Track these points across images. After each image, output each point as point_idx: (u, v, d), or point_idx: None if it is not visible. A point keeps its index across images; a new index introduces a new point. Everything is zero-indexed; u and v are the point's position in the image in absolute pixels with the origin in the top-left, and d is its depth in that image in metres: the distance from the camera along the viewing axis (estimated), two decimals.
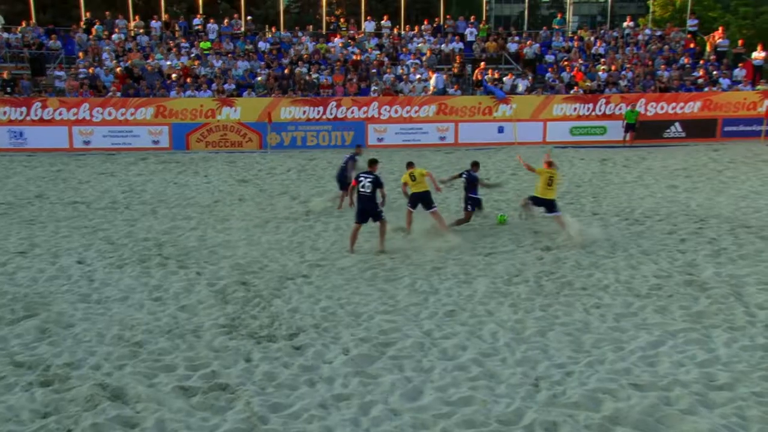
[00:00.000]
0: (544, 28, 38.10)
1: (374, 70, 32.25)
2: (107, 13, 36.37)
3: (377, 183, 14.07)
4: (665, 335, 10.00)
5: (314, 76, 31.58)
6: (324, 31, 37.09)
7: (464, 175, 16.14)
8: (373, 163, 14.57)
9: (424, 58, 33.12)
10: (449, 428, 7.61)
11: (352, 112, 29.84)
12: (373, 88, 30.95)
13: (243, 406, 7.97)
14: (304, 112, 29.75)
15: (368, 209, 14.11)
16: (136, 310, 10.98)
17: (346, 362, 9.12)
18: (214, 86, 30.65)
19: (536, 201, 15.28)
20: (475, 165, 16.30)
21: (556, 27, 37.59)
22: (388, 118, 29.93)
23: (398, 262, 13.47)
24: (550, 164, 15.24)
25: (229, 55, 33.03)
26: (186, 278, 12.54)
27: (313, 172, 24.08)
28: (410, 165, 15.48)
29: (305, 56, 33.07)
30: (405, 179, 15.15)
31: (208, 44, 33.73)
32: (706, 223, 16.41)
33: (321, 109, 29.77)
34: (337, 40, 34.59)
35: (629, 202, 18.87)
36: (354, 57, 33.09)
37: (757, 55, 33.11)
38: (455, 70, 32.64)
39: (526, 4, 42.89)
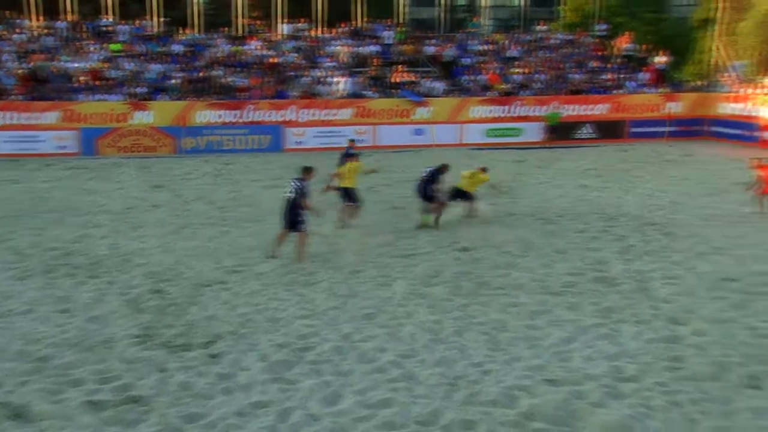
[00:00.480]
0: (460, 31, 38.71)
1: (292, 73, 32.10)
2: (7, 12, 34.95)
3: (301, 192, 13.75)
4: (577, 331, 10.31)
5: (230, 79, 31.21)
6: (240, 34, 36.69)
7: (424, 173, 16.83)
8: (307, 171, 14.05)
9: (341, 57, 33.16)
10: (369, 431, 7.65)
11: (270, 116, 29.63)
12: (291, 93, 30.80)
13: (157, 418, 7.81)
14: (220, 115, 29.37)
15: (289, 217, 13.87)
16: (41, 323, 10.59)
17: (263, 369, 9.05)
18: (125, 89, 29.91)
19: (459, 193, 16.83)
20: (445, 167, 16.84)
21: (472, 30, 38.26)
22: (306, 121, 29.86)
23: (317, 266, 13.44)
24: (483, 170, 17.34)
25: (141, 57, 32.29)
26: (96, 288, 12.18)
27: (230, 177, 23.79)
28: (350, 158, 16.86)
29: (221, 59, 32.65)
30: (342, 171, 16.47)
31: (119, 46, 32.88)
32: (615, 221, 16.99)
33: (237, 112, 29.45)
34: (254, 43, 34.28)
35: (543, 202, 19.36)
36: (271, 60, 32.86)
37: (660, 59, 34.51)
38: (373, 73, 32.81)
39: (442, 8, 43.49)
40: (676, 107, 31.71)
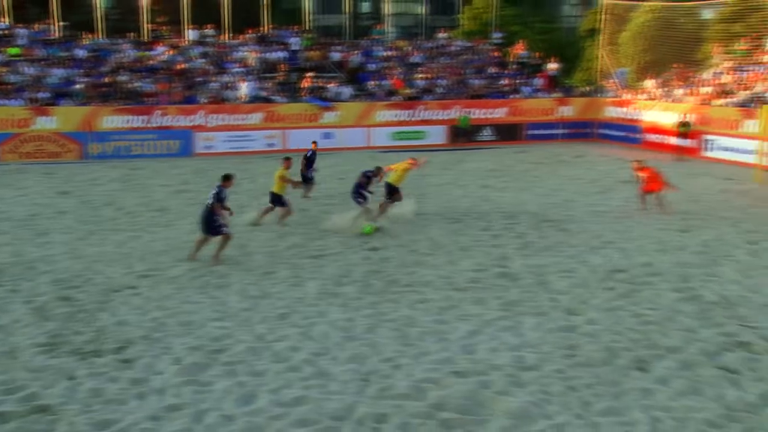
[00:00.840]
0: (365, 38, 38.88)
1: (200, 79, 31.47)
2: None
3: (218, 198, 13.50)
4: (482, 324, 10.53)
5: (137, 84, 30.32)
6: (146, 39, 35.69)
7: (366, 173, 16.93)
8: (227, 178, 13.77)
9: (249, 61, 32.74)
10: (283, 429, 7.59)
11: (178, 121, 28.95)
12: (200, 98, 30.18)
13: (66, 426, 7.52)
14: (128, 120, 28.49)
15: (206, 222, 13.67)
16: None
17: (177, 372, 8.85)
18: (26, 94, 28.61)
19: (392, 188, 17.14)
20: (379, 169, 17.06)
21: (376, 37, 38.49)
22: (216, 126, 29.33)
23: (229, 268, 13.24)
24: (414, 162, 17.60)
25: (42, 62, 30.95)
26: None
27: (139, 182, 23.11)
28: (286, 160, 17.25)
29: (126, 64, 31.67)
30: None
31: (17, 50, 31.39)
32: (515, 219, 17.43)
33: (145, 117, 28.63)
34: (160, 48, 33.42)
35: (448, 202, 19.67)
36: (178, 65, 32.12)
37: (552, 66, 35.68)
38: (281, 78, 32.55)
39: (348, 15, 43.58)
40: (567, 111, 32.83)
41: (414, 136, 31.39)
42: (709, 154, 27.07)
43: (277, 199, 16.76)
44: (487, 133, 32.17)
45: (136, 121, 28.54)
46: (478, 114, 32.13)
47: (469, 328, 10.39)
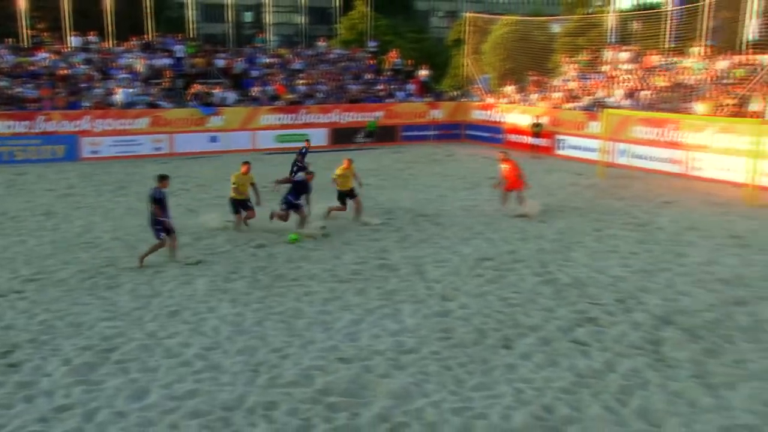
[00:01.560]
0: (248, 45, 38.21)
1: (84, 85, 29.90)
2: None
3: (154, 200, 12.82)
4: (364, 313, 10.61)
5: (18, 89, 28.44)
6: (25, 45, 33.54)
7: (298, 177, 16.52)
8: (162, 179, 13.04)
9: (136, 67, 31.46)
10: (176, 422, 7.37)
11: (63, 126, 27.40)
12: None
13: None
14: (9, 126, 26.68)
15: (152, 225, 13.07)
16: None
17: (67, 373, 8.40)
18: None
19: (341, 194, 16.70)
20: (310, 174, 16.01)
21: (258, 45, 37.91)
22: (102, 130, 27.97)
23: (119, 269, 12.69)
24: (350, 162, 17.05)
25: None
26: None
27: (23, 187, 21.71)
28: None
29: (5, 69, 29.65)
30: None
31: None
32: (393, 214, 17.65)
33: (28, 123, 26.91)
34: (42, 54, 31.49)
35: (331, 200, 19.60)
36: (61, 71, 30.39)
37: (423, 72, 36.37)
38: (166, 84, 31.47)
39: (231, 24, 42.67)
40: (438, 114, 33.58)
41: (297, 138, 31.12)
42: (560, 152, 28.41)
43: (242, 205, 15.53)
44: (364, 135, 32.40)
45: (19, 127, 26.77)
46: (356, 117, 32.30)
47: (352, 317, 10.45)
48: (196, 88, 30.85)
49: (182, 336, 9.63)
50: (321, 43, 39.23)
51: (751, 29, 25.73)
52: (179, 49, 34.00)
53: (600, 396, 7.94)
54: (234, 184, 15.54)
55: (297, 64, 35.49)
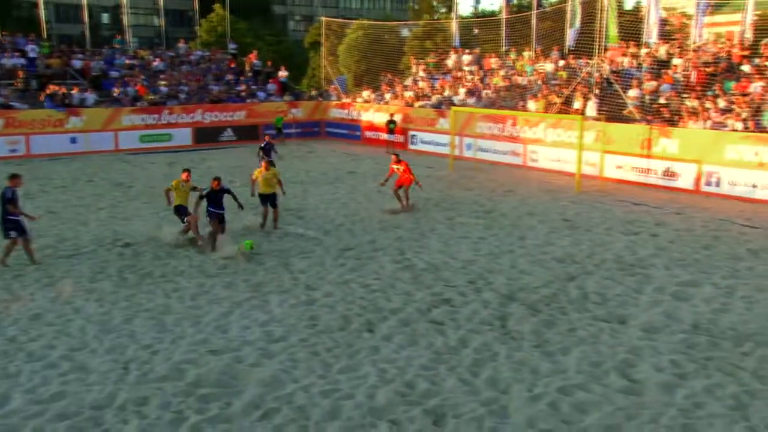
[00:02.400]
0: (106, 46, 36.04)
1: None
2: None
3: (6, 199, 11.79)
4: (233, 306, 10.37)
5: None
6: None
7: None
8: (13, 177, 12.01)
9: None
10: (41, 426, 6.86)
11: None
12: None
13: None
14: None
15: (2, 224, 11.90)
16: None
17: None
18: None
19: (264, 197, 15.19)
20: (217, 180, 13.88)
21: (117, 46, 35.85)
22: None
23: None
24: (269, 164, 15.55)
25: None
26: None
27: None
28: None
29: None
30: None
31: None
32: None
33: None
34: None
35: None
36: None
37: (282, 73, 35.91)
38: (18, 85, 29.02)
39: (87, 25, 40.01)
40: (298, 113, 33.30)
41: (161, 138, 29.83)
42: (413, 147, 29.11)
43: (183, 211, 13.94)
44: (228, 134, 31.57)
45: None
46: (219, 117, 31.40)
47: (222, 310, 10.18)
48: (52, 89, 28.69)
49: (46, 339, 8.98)
50: (181, 45, 37.72)
51: (569, 38, 27.61)
52: (31, 49, 31.46)
53: (455, 370, 8.25)
54: (175, 189, 14.01)
55: (158, 65, 33.93)
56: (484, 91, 27.88)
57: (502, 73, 28.77)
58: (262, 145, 23.43)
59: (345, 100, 34.21)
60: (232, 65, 36.31)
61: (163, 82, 32.17)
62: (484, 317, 9.96)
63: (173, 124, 30.21)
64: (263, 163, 15.73)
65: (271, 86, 34.89)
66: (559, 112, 23.77)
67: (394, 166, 17.30)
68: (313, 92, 35.97)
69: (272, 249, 13.55)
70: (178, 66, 34.55)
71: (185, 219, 13.87)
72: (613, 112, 22.15)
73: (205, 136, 30.79)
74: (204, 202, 13.71)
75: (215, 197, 13.67)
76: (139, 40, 52.12)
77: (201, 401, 7.42)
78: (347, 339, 9.16)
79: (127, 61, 33.67)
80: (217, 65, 35.89)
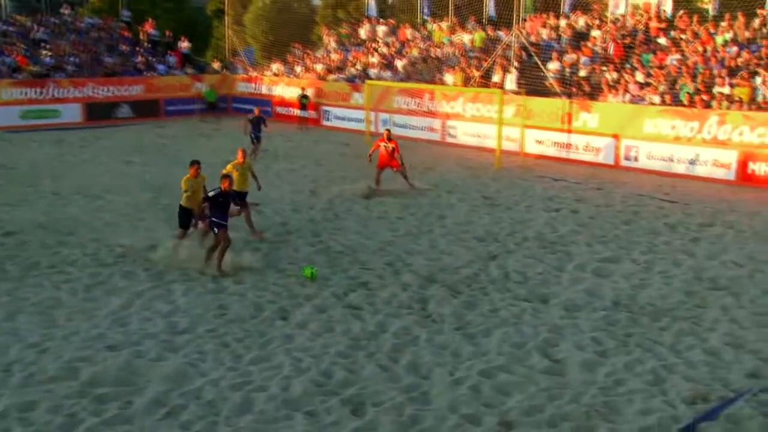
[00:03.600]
0: None
1: None
2: None
3: None
4: (133, 296, 10.03)
5: None
6: None
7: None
8: None
9: None
10: None
11: None
12: None
13: None
14: None
15: None
16: None
17: None
18: None
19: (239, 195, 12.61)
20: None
21: None
22: None
23: None
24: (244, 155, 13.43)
25: None
26: None
27: None
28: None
29: None
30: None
31: None
32: (160, 192, 16.79)
33: None
34: None
35: (88, 180, 18.20)
36: None
37: (183, 44, 34.79)
38: None
39: None
40: (202, 87, 32.39)
41: (47, 114, 28.37)
42: (327, 123, 28.96)
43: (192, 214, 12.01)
44: (124, 110, 30.36)
45: None
46: (113, 92, 30.14)
47: (120, 302, 9.83)
48: None
49: None
50: (66, 11, 35.80)
51: (490, 8, 28.04)
52: None
53: (374, 356, 8.28)
54: (186, 191, 11.83)
55: (40, 34, 32.13)
56: (400, 64, 27.97)
57: (419, 44, 28.93)
58: (250, 117, 21.74)
59: (253, 73, 33.55)
60: (127, 35, 34.87)
61: (46, 52, 30.54)
62: (404, 300, 10.05)
63: (61, 99, 28.82)
64: (239, 153, 13.40)
65: (172, 58, 33.76)
66: (478, 86, 24.17)
67: (382, 144, 16.81)
68: (218, 65, 35.04)
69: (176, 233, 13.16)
70: (64, 34, 32.85)
71: (193, 222, 11.75)
72: (533, 85, 22.71)
73: (98, 112, 29.56)
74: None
75: (224, 202, 11.06)
76: (16, 4, 49.09)
77: (97, 402, 7.14)
78: (259, 328, 9.03)
79: (3, 28, 31.73)
80: (110, 34, 34.38)
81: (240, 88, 33.45)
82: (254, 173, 13.54)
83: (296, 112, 29.17)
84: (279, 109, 31.22)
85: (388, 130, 17.58)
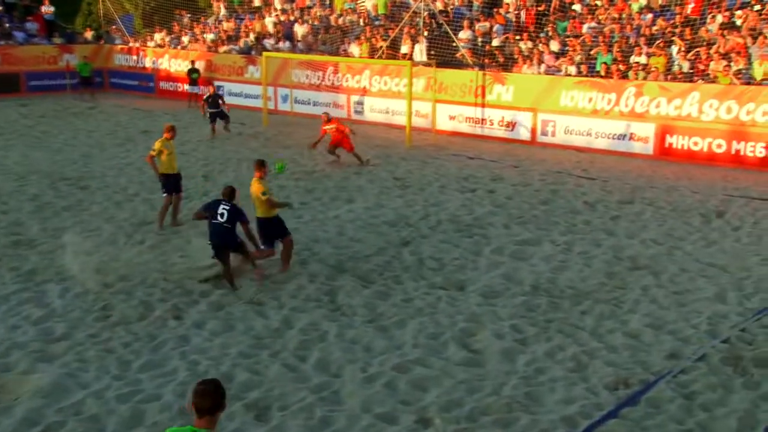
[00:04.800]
0: None
1: None
2: None
3: None
4: None
5: None
6: None
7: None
8: None
9: None
10: None
11: None
12: None
13: None
14: None
15: None
16: None
17: None
18: None
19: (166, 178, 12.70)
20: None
21: None
22: None
23: None
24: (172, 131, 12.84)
25: None
26: None
27: None
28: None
29: None
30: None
31: None
32: (26, 180, 16.10)
33: None
34: None
35: None
36: None
37: (46, 9, 33.09)
38: None
39: None
40: (73, 59, 31.03)
41: None
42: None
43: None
44: None
45: None
46: None
47: None
48: None
49: None
50: None
51: None
52: None
53: (280, 355, 8.26)
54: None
55: None
56: (300, 33, 27.74)
57: (319, 12, 28.76)
58: (206, 97, 22.01)
59: (133, 44, 32.45)
60: None
61: None
62: (311, 293, 10.04)
63: None
64: (166, 128, 12.82)
65: (32, 25, 32.09)
66: (386, 58, 24.30)
67: (326, 127, 18.07)
68: (92, 33, 33.67)
69: (47, 227, 12.64)
70: None
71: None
72: (444, 56, 23.03)
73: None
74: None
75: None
76: None
77: None
78: (149, 330, 8.83)
79: None
80: None
81: (118, 60, 32.30)
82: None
83: (186, 87, 28.41)
84: (164, 85, 30.38)
85: (327, 113, 18.72)
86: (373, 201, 14.87)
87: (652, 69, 19.51)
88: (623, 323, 9.18)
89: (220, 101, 22.07)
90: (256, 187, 10.66)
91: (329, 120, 18.26)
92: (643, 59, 19.86)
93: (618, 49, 20.36)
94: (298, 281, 10.44)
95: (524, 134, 21.11)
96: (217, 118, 21.64)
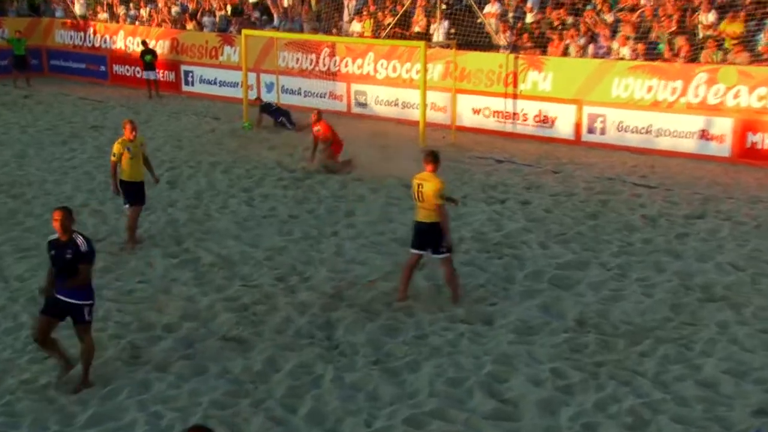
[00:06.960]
0: None
1: None
2: None
3: None
4: None
5: None
6: None
7: None
8: None
9: None
10: None
11: None
12: None
13: None
14: None
15: None
16: None
17: None
18: None
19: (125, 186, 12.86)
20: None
21: None
22: None
23: None
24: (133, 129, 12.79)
25: None
26: None
27: None
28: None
29: None
30: None
31: None
32: None
33: None
34: None
35: None
36: None
37: None
38: None
39: None
40: (2, 34, 31.19)
41: None
42: (189, 88, 28.52)
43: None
44: None
45: None
46: None
47: None
48: None
49: None
50: None
51: None
52: None
53: (263, 405, 8.26)
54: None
55: None
56: (288, 6, 27.89)
57: None
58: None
59: (79, 17, 32.64)
60: None
61: None
62: (302, 327, 10.06)
63: None
64: (127, 126, 12.83)
65: None
66: (394, 37, 24.38)
67: (315, 128, 18.31)
68: (27, 5, 33.90)
69: None
70: None
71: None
72: (467, 36, 23.09)
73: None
74: None
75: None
76: None
77: None
78: (101, 373, 8.84)
79: None
80: None
81: (61, 38, 32.51)
82: (147, 156, 13.24)
83: (142, 74, 28.48)
84: (119, 69, 30.55)
85: (318, 111, 18.79)
86: (377, 214, 14.89)
87: (732, 44, 19.10)
88: (695, 369, 9.14)
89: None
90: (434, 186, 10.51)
91: (319, 119, 18.28)
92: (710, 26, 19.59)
93: (678, 21, 20.07)
94: (285, 313, 10.46)
95: (566, 132, 21.13)
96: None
